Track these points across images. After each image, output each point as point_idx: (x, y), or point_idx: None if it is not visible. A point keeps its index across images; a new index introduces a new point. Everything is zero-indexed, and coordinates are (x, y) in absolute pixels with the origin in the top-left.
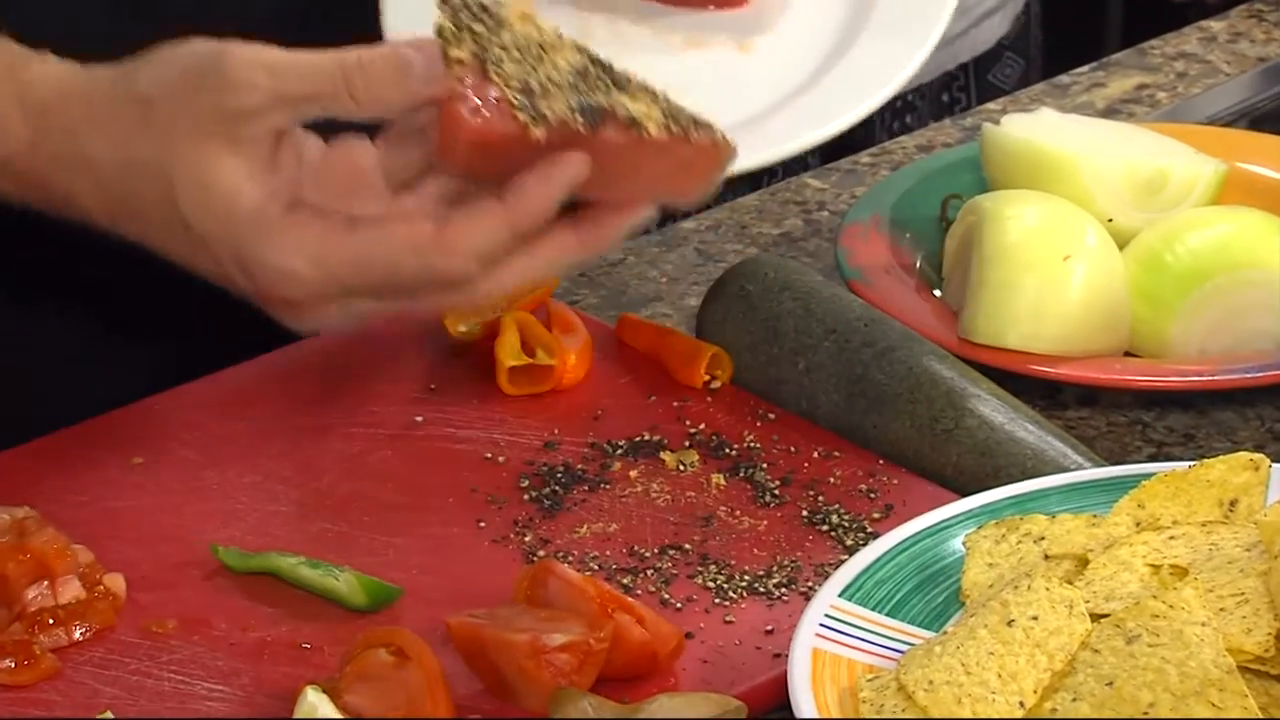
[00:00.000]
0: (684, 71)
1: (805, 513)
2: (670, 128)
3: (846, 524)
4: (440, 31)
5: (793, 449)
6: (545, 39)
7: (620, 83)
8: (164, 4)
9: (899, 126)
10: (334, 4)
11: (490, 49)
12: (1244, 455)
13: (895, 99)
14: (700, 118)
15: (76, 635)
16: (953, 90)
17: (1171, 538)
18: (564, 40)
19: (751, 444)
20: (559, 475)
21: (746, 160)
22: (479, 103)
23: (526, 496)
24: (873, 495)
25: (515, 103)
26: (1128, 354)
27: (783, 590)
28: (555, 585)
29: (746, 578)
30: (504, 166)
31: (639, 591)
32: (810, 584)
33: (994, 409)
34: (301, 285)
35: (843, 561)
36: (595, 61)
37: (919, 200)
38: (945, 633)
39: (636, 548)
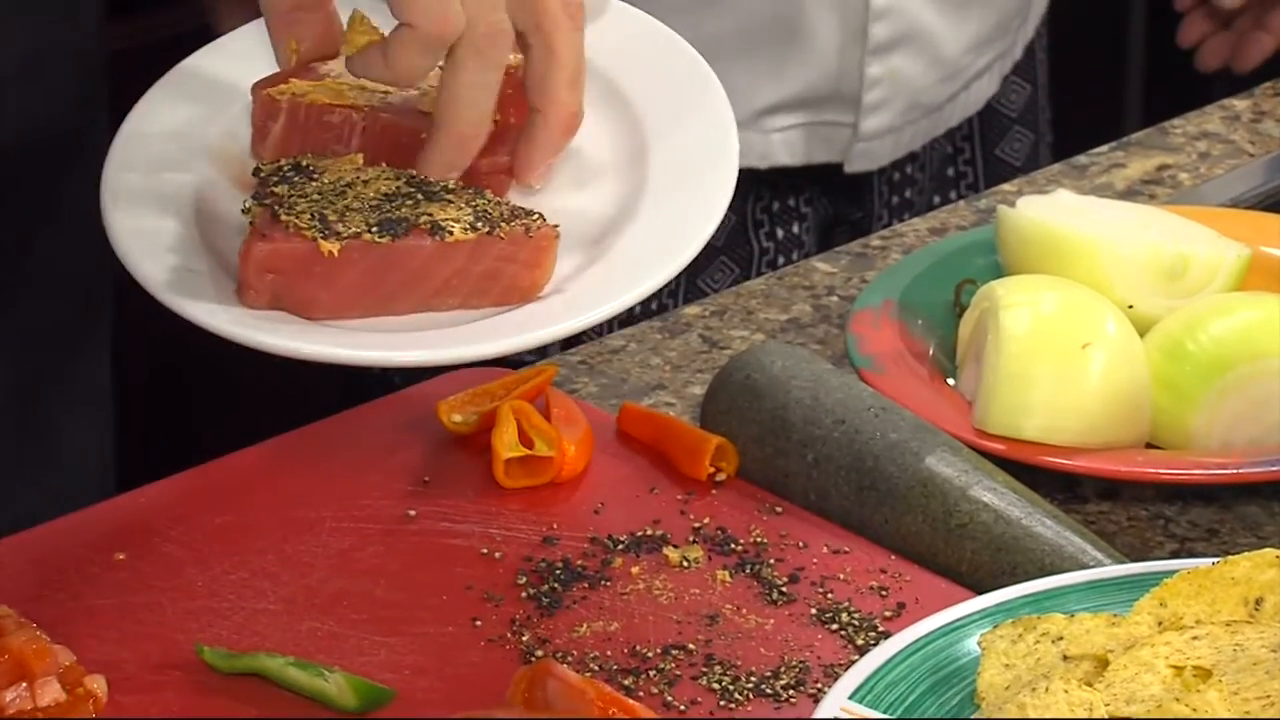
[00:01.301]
0: None
1: (814, 611)
2: (476, 226)
3: (857, 623)
4: (244, 209)
5: (801, 544)
6: (362, 175)
7: (433, 195)
8: None
9: (898, 201)
10: None
11: (286, 200)
12: (1270, 552)
13: (893, 171)
14: (520, 209)
15: None
16: (958, 164)
17: (1195, 638)
18: (384, 173)
19: (758, 539)
20: (558, 572)
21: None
22: (268, 233)
23: (524, 594)
24: (884, 593)
25: (303, 226)
26: (1149, 445)
27: (790, 692)
28: (554, 687)
29: (753, 679)
30: (310, 294)
31: (641, 693)
32: (819, 685)
33: (1010, 503)
34: None
35: (853, 662)
36: (412, 183)
37: (931, 285)
38: None
39: (638, 647)
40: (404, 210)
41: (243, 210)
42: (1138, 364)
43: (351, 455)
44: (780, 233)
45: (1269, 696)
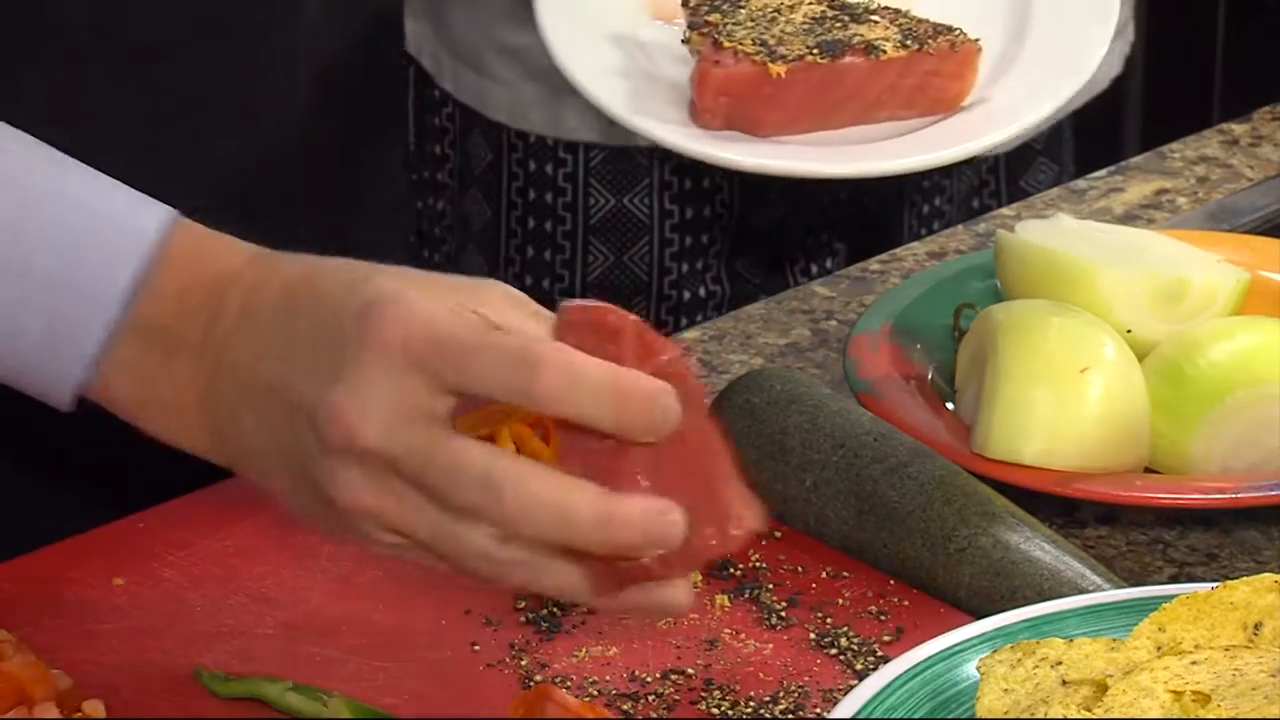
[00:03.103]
0: None
1: (813, 635)
2: (906, 43)
3: (856, 647)
4: (684, 39)
5: (800, 569)
6: (786, 1)
7: (858, 17)
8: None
9: (926, 234)
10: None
11: (723, 28)
12: (1269, 576)
13: (923, 204)
14: (941, 26)
15: None
16: (983, 196)
17: (1194, 663)
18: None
19: (757, 563)
20: None
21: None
22: (719, 59)
23: (523, 618)
24: (883, 617)
25: (750, 51)
26: (1148, 470)
27: (789, 716)
28: (553, 711)
29: (751, 704)
30: (759, 114)
31: (640, 718)
32: (818, 710)
33: (1009, 528)
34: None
35: (852, 686)
36: (834, 5)
37: (930, 309)
38: None
39: (637, 672)
40: (837, 32)
41: (682, 40)
42: (1136, 389)
43: None
44: (814, 267)
45: None
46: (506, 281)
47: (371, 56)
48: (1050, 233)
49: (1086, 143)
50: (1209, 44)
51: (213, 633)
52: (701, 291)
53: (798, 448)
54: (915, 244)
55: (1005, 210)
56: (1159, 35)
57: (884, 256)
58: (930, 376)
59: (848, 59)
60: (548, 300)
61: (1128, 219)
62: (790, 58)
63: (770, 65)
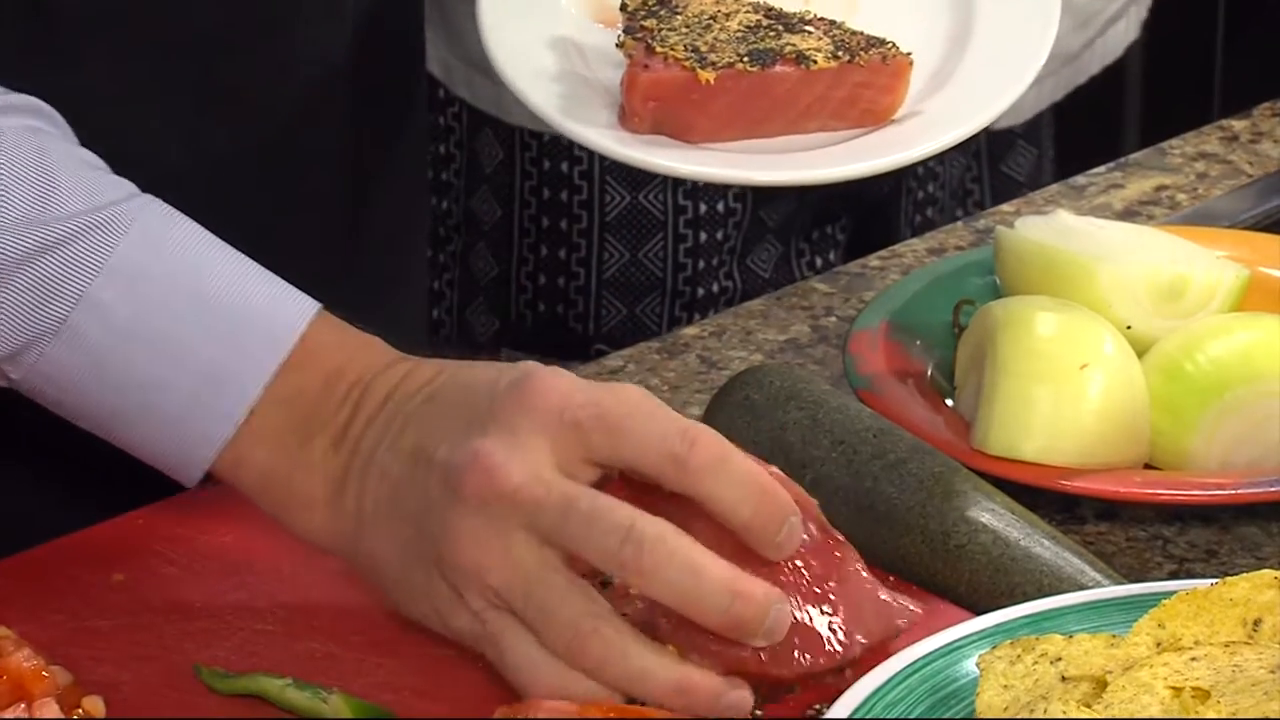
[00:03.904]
0: None
1: None
2: (837, 55)
3: None
4: (618, 43)
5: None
6: (722, 9)
7: (792, 27)
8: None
9: (921, 220)
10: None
11: (657, 33)
12: (1268, 573)
13: (918, 190)
14: (874, 38)
15: None
16: (966, 182)
17: (1193, 659)
18: (741, 5)
19: None
20: None
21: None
22: (648, 63)
23: None
24: None
25: (680, 57)
26: (1147, 466)
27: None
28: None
29: (752, 700)
30: (688, 120)
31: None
32: (817, 706)
33: (1008, 524)
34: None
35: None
36: (770, 14)
37: (930, 305)
38: None
39: None
40: (769, 41)
41: (617, 44)
42: (1136, 385)
43: None
44: (819, 260)
45: (1267, 718)
46: (519, 281)
47: (388, 54)
48: (1049, 229)
49: (1086, 138)
50: (1209, 40)
51: (212, 629)
52: (715, 288)
53: (797, 444)
54: (914, 240)
55: (1005, 207)
56: (1159, 31)
57: (883, 253)
58: (930, 373)
59: (778, 68)
60: (563, 298)
61: (1127, 215)
62: (720, 64)
63: (699, 71)
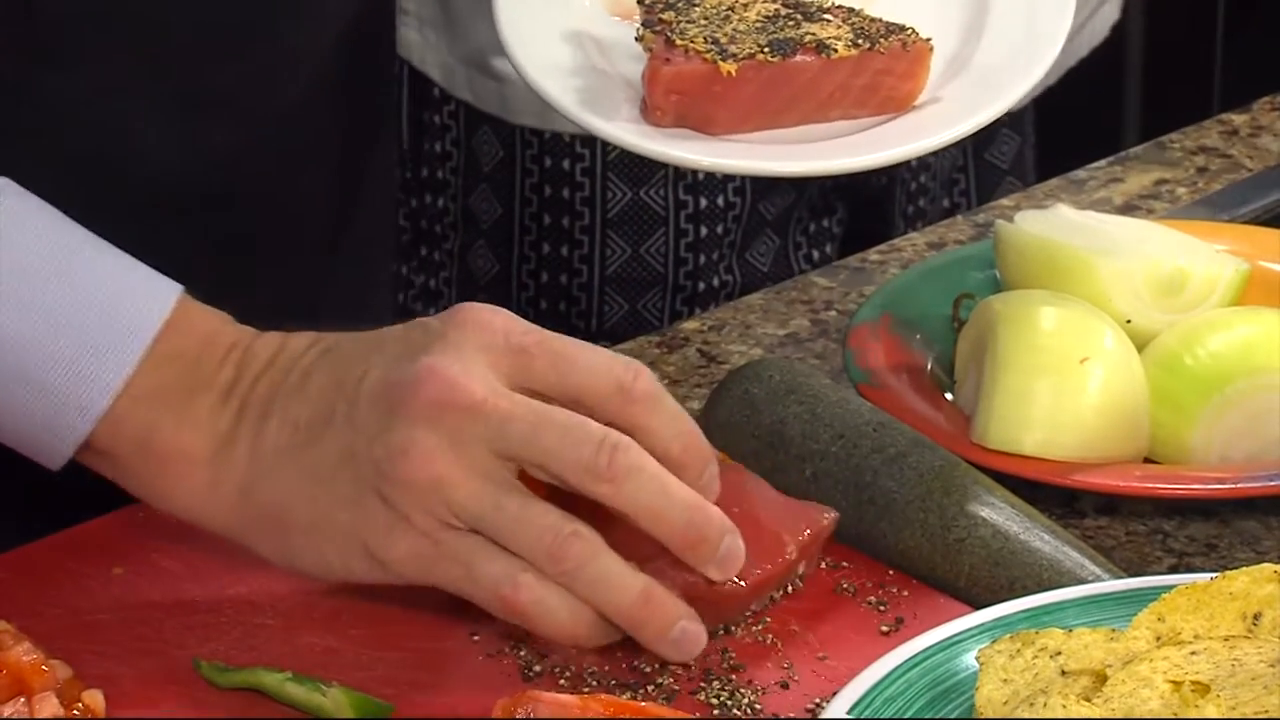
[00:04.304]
0: None
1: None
2: (857, 42)
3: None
4: (638, 36)
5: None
6: (740, 1)
7: (811, 16)
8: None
9: (914, 211)
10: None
11: (676, 26)
12: (1268, 566)
13: (911, 181)
14: (894, 25)
15: None
16: (952, 171)
17: (1193, 653)
18: None
19: None
20: None
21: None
22: (670, 56)
23: None
24: (882, 607)
25: (701, 49)
26: (1147, 460)
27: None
28: (541, 710)
29: (751, 694)
30: (710, 112)
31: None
32: (817, 700)
33: (1008, 518)
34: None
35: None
36: (788, 4)
37: (930, 300)
38: None
39: (637, 663)
40: (788, 31)
41: (636, 37)
42: (1136, 379)
43: None
44: (816, 254)
45: (1267, 711)
46: (521, 279)
47: (365, 55)
48: (1049, 223)
49: (1085, 133)
50: (1209, 34)
51: (212, 623)
52: (715, 282)
53: (797, 438)
54: (914, 234)
55: (1004, 201)
56: (1159, 25)
57: (883, 247)
58: (929, 367)
59: (799, 58)
60: (565, 295)
61: (1127, 209)
62: (741, 56)
63: (721, 63)
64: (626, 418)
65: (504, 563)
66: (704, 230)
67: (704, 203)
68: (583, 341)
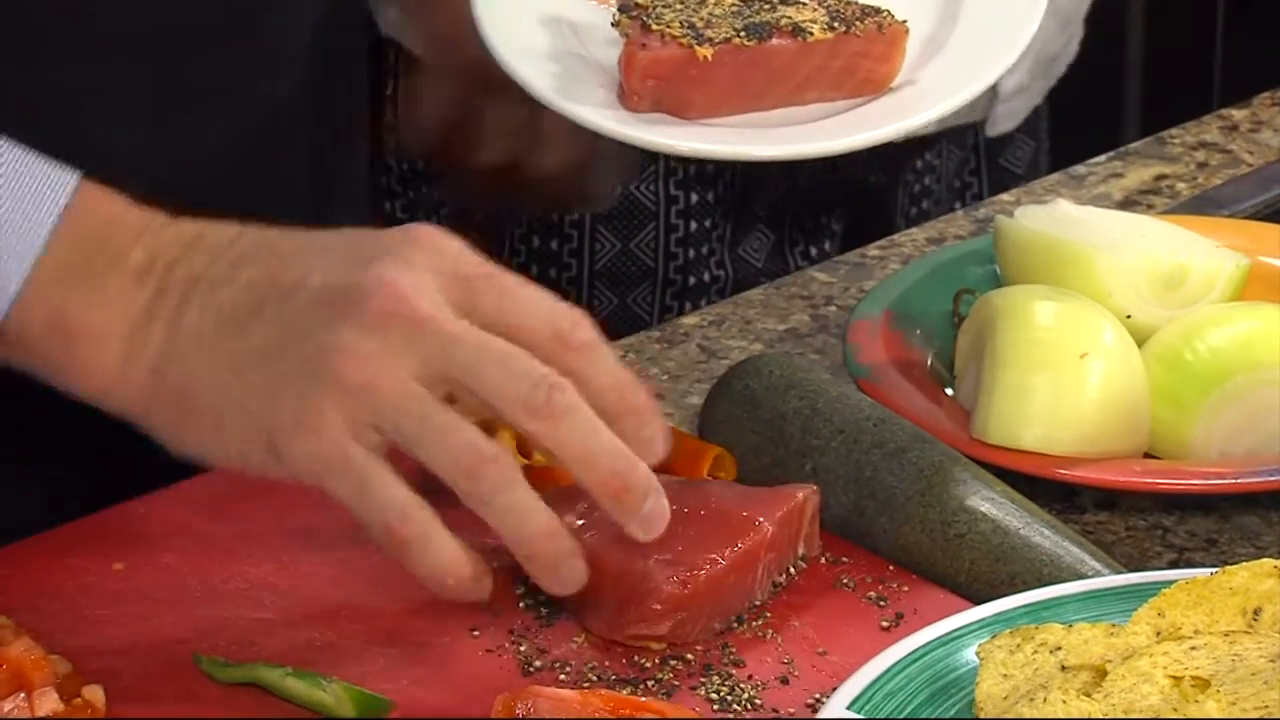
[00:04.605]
0: None
1: (811, 621)
2: (833, 25)
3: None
4: (614, 21)
5: (800, 560)
6: None
7: (786, 0)
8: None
9: (917, 213)
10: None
11: (652, 11)
12: (1268, 562)
13: (915, 183)
14: (869, 7)
15: None
16: (964, 175)
17: (1193, 648)
18: None
19: None
20: None
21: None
22: (646, 41)
23: (522, 604)
24: (882, 603)
25: (677, 34)
26: (1147, 455)
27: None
28: (541, 705)
29: (751, 689)
30: (687, 96)
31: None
32: (817, 695)
33: (1008, 513)
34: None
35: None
36: None
37: (930, 295)
38: None
39: (637, 657)
40: (764, 14)
41: (612, 23)
42: (1136, 374)
43: None
44: (814, 250)
45: (1267, 706)
46: (513, 271)
47: (342, 47)
48: (1049, 218)
49: (1085, 128)
50: (1209, 29)
51: (212, 618)
52: (706, 276)
53: (797, 433)
54: (914, 230)
55: (1004, 196)
56: (1159, 21)
57: (883, 242)
58: (929, 362)
59: (774, 41)
60: (557, 288)
61: (1127, 204)
62: (717, 40)
63: (697, 48)
64: (563, 362)
65: (400, 492)
66: (694, 224)
67: (694, 197)
68: (531, 284)
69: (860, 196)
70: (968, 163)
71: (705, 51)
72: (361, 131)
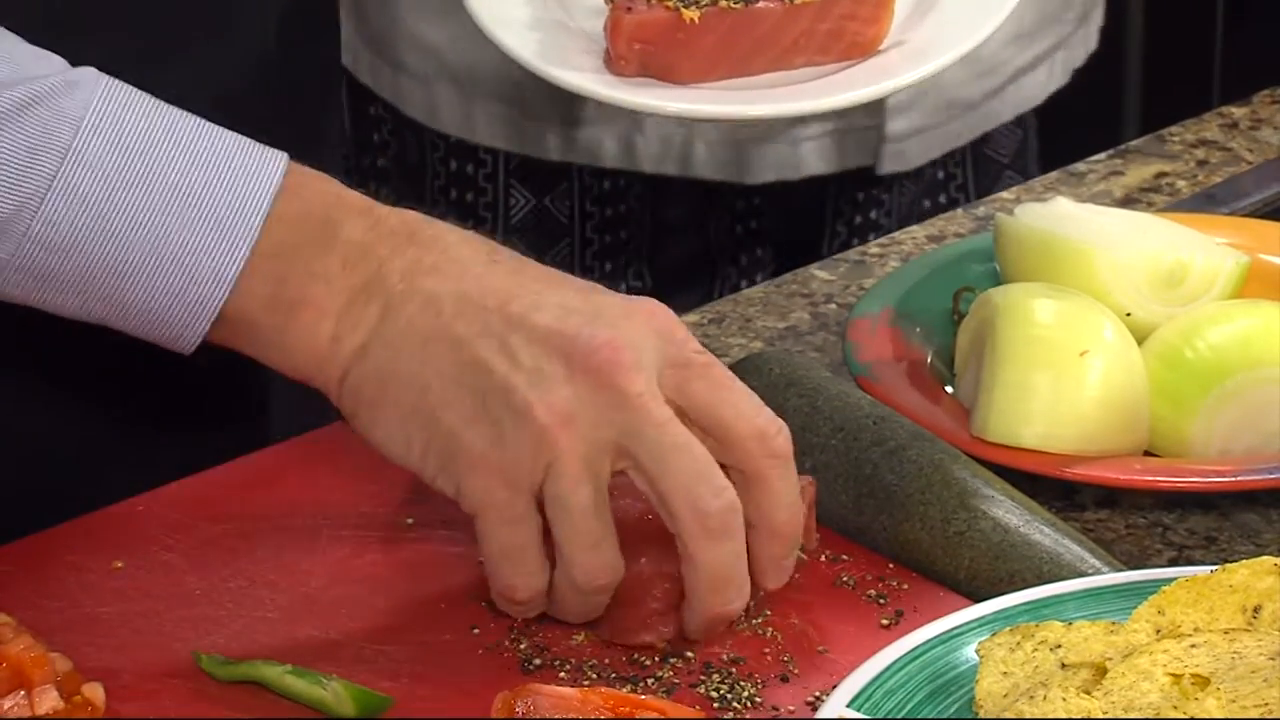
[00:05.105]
0: None
1: (812, 619)
2: None
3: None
4: None
5: (799, 553)
6: None
7: None
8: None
9: (859, 243)
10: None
11: None
12: (1268, 559)
13: (855, 216)
14: None
15: None
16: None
17: (1193, 646)
18: None
19: None
20: None
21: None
22: (632, 5)
23: None
24: (882, 601)
25: None
26: (1147, 453)
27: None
28: (541, 704)
29: (751, 687)
30: (674, 60)
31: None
32: (817, 693)
33: (1008, 511)
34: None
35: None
36: None
37: (930, 293)
38: None
39: (637, 656)
40: None
41: None
42: (1136, 372)
43: (350, 463)
44: (744, 283)
45: (1267, 704)
46: None
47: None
48: (1049, 216)
49: (1085, 126)
50: (1209, 27)
51: (212, 616)
52: (623, 287)
53: (797, 431)
54: (914, 227)
55: (1004, 194)
56: (1158, 18)
57: (883, 240)
58: (929, 360)
59: (761, 4)
60: None
61: (1127, 202)
62: (704, 3)
63: (683, 10)
64: (757, 465)
65: (533, 560)
66: (608, 237)
67: (609, 211)
68: (741, 382)
69: (788, 225)
70: (956, 201)
71: (692, 14)
72: (334, 126)
